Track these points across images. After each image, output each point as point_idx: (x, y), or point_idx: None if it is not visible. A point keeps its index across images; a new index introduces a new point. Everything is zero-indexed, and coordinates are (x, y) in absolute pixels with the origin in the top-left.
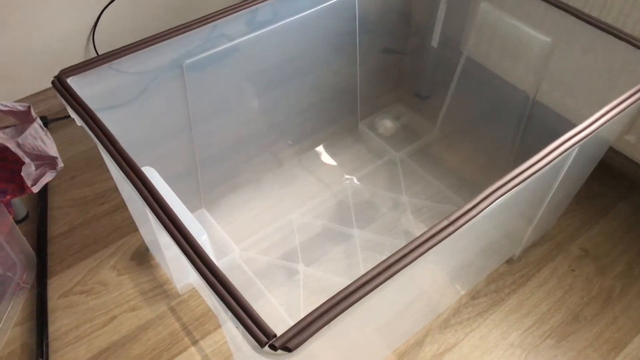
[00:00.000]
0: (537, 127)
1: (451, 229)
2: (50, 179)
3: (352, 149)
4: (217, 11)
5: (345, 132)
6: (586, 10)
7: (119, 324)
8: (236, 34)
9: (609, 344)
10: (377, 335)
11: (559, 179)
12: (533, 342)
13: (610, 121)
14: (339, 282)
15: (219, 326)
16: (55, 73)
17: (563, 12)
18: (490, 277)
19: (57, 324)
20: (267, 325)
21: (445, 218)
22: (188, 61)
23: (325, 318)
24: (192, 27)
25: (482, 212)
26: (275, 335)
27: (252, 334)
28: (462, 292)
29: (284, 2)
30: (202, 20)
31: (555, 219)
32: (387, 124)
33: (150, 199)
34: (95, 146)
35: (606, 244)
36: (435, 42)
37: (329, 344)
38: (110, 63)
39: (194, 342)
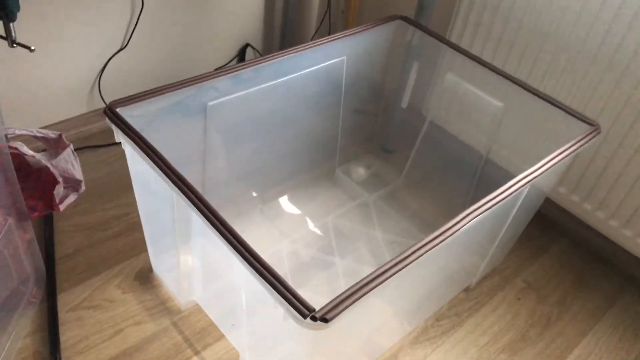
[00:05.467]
0: (487, 181)
1: (429, 246)
2: (74, 199)
3: (330, 191)
4: (228, 67)
5: (324, 176)
6: (529, 82)
7: (126, 336)
8: (238, 88)
9: (550, 359)
10: (361, 345)
11: (509, 219)
12: (489, 357)
13: (548, 170)
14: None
15: (220, 338)
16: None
17: (511, 83)
18: (451, 302)
19: (67, 335)
20: (307, 301)
21: (422, 240)
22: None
23: (353, 298)
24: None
25: (448, 238)
26: (314, 309)
27: (296, 308)
28: (429, 314)
29: (287, 60)
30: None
31: (503, 256)
32: (360, 171)
33: (199, 203)
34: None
35: (544, 278)
36: (404, 103)
37: (342, 331)
38: (150, 99)
39: (196, 353)
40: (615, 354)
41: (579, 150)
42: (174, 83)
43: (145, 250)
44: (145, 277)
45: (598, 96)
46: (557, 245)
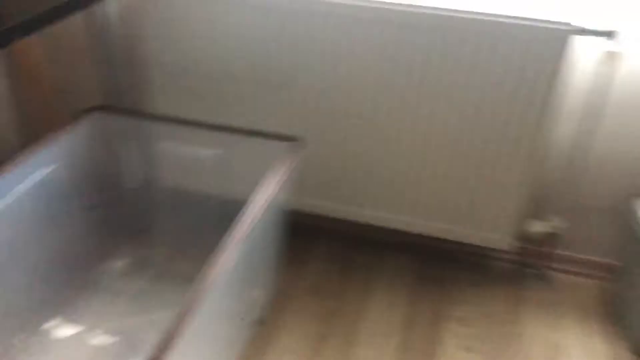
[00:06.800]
0: (231, 219)
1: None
2: None
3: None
4: None
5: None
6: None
7: None
8: None
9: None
10: None
11: (262, 244)
12: None
13: (278, 191)
14: None
15: None
16: None
17: (219, 131)
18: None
19: None
20: None
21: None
22: None
23: None
24: None
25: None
26: None
27: None
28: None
29: None
30: None
31: (275, 277)
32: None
33: None
34: None
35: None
36: (141, 182)
37: None
38: None
39: None
40: None
41: (297, 163)
42: None
43: None
44: None
45: (288, 114)
46: (318, 245)
